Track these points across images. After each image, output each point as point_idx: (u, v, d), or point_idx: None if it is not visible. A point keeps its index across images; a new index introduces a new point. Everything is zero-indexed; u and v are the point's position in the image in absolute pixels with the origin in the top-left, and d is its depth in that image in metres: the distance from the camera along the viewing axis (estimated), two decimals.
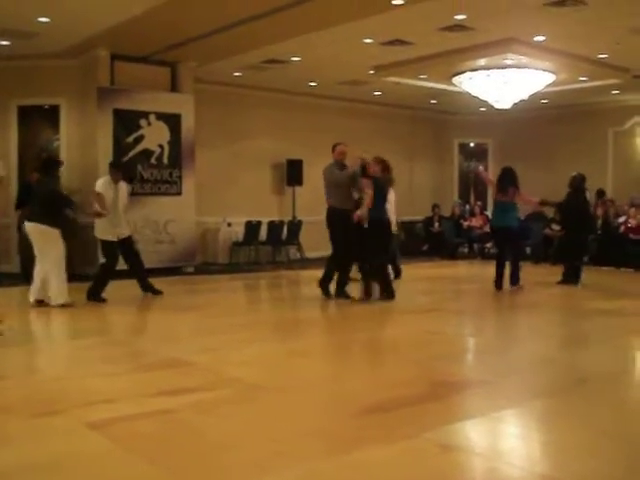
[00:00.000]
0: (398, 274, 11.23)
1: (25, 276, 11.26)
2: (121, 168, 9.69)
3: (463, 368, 5.71)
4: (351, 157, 9.23)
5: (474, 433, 3.91)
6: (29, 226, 8.62)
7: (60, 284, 8.55)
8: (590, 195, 12.50)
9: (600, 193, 15.18)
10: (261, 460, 3.37)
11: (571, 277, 10.65)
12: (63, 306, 8.46)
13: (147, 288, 9.67)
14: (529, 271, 11.66)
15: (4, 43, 11.36)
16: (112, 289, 10.41)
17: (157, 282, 10.06)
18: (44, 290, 8.60)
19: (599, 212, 14.41)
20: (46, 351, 6.12)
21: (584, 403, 4.44)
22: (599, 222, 14.28)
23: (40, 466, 3.33)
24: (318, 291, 8.99)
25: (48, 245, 8.52)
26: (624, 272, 12.70)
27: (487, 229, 16.34)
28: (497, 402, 4.43)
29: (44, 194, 8.56)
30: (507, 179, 10.30)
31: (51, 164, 8.95)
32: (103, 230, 9.27)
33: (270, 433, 3.80)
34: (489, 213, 17.26)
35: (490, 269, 10.50)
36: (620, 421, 4.07)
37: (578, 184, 10.80)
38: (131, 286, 9.84)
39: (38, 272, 8.62)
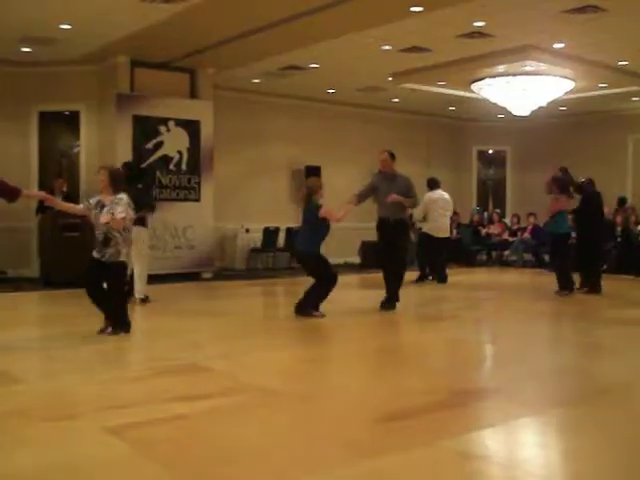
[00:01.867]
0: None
1: (45, 280, 11.37)
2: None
3: (482, 376, 5.68)
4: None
5: (493, 441, 3.89)
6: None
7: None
8: (607, 202, 12.34)
9: (621, 201, 15.07)
10: (278, 467, 3.37)
11: (590, 285, 10.57)
12: (143, 301, 9.25)
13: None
14: (548, 279, 11.59)
15: (25, 50, 11.48)
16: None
17: (175, 287, 10.11)
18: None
19: (618, 220, 14.31)
20: (64, 355, 6.15)
21: (604, 413, 4.40)
22: (618, 230, 14.18)
23: (57, 470, 3.34)
24: (333, 297, 8.92)
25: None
26: None
27: (506, 236, 16.33)
28: (516, 410, 4.41)
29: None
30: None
31: (141, 173, 9.86)
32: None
33: (287, 440, 3.79)
34: (507, 221, 17.23)
35: (507, 276, 10.45)
36: (639, 431, 4.04)
37: (589, 190, 10.73)
38: (153, 292, 9.89)
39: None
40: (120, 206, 6.73)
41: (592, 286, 10.51)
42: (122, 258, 6.91)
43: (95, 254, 6.91)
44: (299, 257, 8.59)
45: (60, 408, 4.40)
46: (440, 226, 12.00)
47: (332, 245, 15.22)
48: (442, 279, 12.02)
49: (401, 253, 8.93)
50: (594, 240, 10.65)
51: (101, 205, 6.81)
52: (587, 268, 10.72)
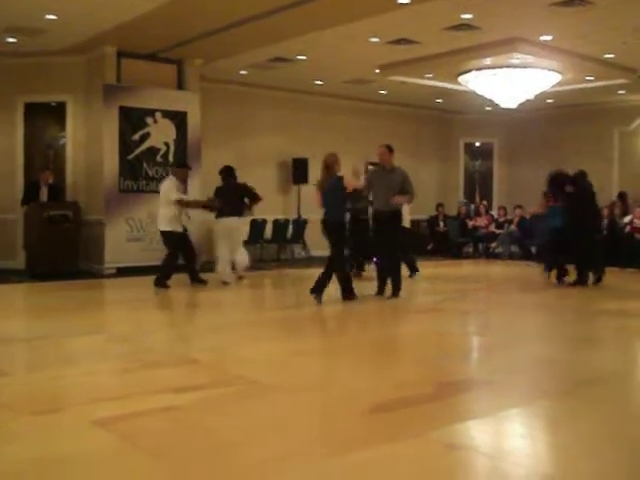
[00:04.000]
0: None
1: (31, 272, 11.32)
2: (184, 167, 10.75)
3: (469, 368, 5.71)
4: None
5: (480, 433, 3.91)
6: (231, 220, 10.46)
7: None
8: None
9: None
10: (267, 459, 3.37)
11: (580, 277, 10.62)
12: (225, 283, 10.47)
13: (195, 279, 10.51)
14: (537, 271, 11.65)
15: (11, 40, 11.40)
16: (121, 286, 10.48)
17: None
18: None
19: (605, 212, 14.36)
20: (51, 347, 6.13)
21: (590, 404, 4.43)
22: (604, 222, 14.24)
23: (46, 463, 3.33)
24: (330, 290, 8.92)
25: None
26: (630, 272, 12.66)
27: (492, 229, 16.39)
28: (503, 402, 4.43)
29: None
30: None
31: (231, 170, 10.77)
32: (169, 223, 10.09)
33: (277, 432, 3.80)
34: (494, 213, 17.28)
35: (494, 268, 10.50)
36: (626, 423, 4.07)
37: (583, 181, 10.78)
38: (141, 284, 9.91)
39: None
40: None
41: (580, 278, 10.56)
42: None
43: None
44: (330, 226, 8.69)
45: (47, 401, 4.39)
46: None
47: (320, 237, 15.27)
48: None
49: (396, 244, 9.15)
50: (588, 231, 10.67)
51: None
52: (582, 260, 10.73)
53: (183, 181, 10.43)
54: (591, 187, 10.83)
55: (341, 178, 8.62)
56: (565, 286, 10.49)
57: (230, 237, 10.50)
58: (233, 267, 10.71)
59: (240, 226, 10.82)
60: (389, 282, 9.05)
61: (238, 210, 10.58)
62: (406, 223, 11.99)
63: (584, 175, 10.80)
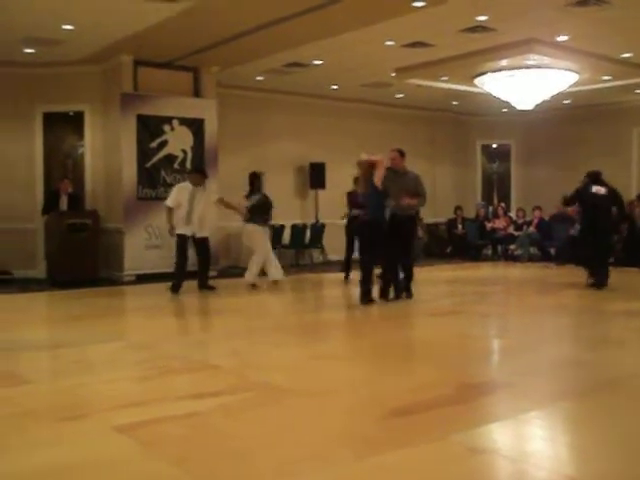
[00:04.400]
0: None
1: (51, 281, 11.41)
2: (199, 173, 10.78)
3: (489, 370, 5.69)
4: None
5: (501, 435, 3.89)
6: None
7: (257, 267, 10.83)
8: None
9: None
10: (288, 464, 3.38)
11: (597, 279, 10.52)
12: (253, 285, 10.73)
13: (203, 286, 10.49)
14: (555, 273, 11.59)
15: (29, 51, 11.51)
16: (140, 293, 10.53)
17: (183, 286, 10.18)
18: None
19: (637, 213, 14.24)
20: (72, 355, 6.17)
21: (611, 405, 4.40)
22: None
23: (68, 469, 3.35)
24: (341, 293, 8.94)
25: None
26: None
27: (511, 230, 16.32)
28: (524, 404, 4.41)
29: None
30: None
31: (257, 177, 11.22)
32: (177, 226, 10.30)
33: (296, 436, 3.80)
34: (512, 215, 17.21)
35: (513, 270, 10.44)
36: None
37: (581, 188, 10.68)
38: (160, 291, 9.94)
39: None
40: None
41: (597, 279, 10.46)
42: None
43: None
44: (372, 225, 8.81)
45: (70, 408, 4.42)
46: None
47: (338, 242, 15.29)
48: None
49: (410, 247, 9.32)
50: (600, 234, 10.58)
51: None
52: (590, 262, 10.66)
53: (196, 185, 10.42)
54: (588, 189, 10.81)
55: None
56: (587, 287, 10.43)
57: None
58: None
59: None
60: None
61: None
62: None
63: (590, 177, 10.74)
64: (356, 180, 10.58)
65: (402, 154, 9.29)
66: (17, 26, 10.18)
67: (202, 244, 10.44)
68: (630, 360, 5.80)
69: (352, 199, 11.29)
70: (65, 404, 4.54)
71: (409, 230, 9.23)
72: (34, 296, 10.59)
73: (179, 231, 10.25)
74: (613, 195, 10.53)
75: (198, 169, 11.17)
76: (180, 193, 10.33)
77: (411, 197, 9.03)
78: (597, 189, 10.37)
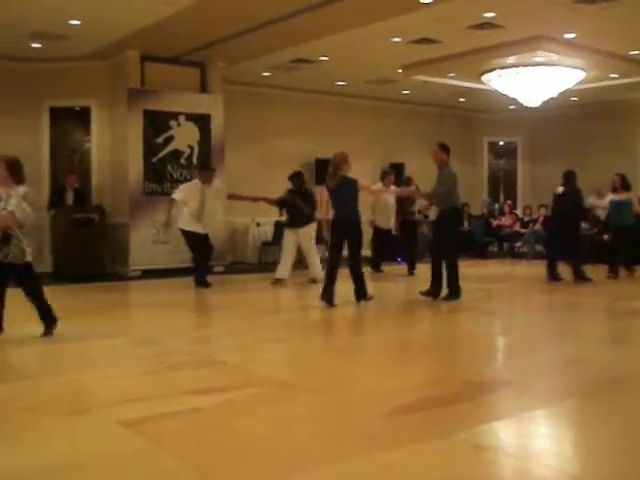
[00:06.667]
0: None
1: (58, 275, 11.44)
2: (209, 170, 10.89)
3: (495, 368, 5.68)
4: None
5: (506, 433, 3.89)
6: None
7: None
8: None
9: None
10: (292, 460, 3.38)
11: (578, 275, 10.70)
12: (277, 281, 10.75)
13: (200, 283, 10.34)
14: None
15: (36, 46, 11.52)
16: (146, 288, 10.54)
17: (187, 281, 10.20)
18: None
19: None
20: (77, 349, 6.18)
21: (615, 404, 4.39)
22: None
23: (73, 464, 3.36)
24: (346, 290, 8.92)
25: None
26: None
27: (517, 228, 16.30)
28: (528, 402, 4.41)
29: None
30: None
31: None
32: (188, 223, 10.28)
33: (301, 432, 3.81)
34: (519, 212, 17.18)
35: (519, 268, 10.42)
36: None
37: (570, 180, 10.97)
38: (166, 286, 9.95)
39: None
40: (14, 199, 6.12)
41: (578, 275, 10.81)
42: (28, 259, 6.38)
43: None
44: (350, 226, 8.46)
45: (74, 403, 4.43)
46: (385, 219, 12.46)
47: None
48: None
49: (447, 243, 9.05)
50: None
51: None
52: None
53: (205, 183, 10.43)
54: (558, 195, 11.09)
55: (356, 181, 8.59)
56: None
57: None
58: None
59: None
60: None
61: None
62: (385, 225, 12.18)
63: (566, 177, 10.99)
64: None
65: (443, 148, 9.25)
66: (24, 21, 10.19)
67: (205, 240, 10.47)
68: (636, 359, 5.79)
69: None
70: (70, 399, 4.55)
71: (445, 225, 9.00)
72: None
73: (190, 228, 10.27)
74: (570, 194, 10.77)
75: (207, 166, 11.17)
76: (191, 191, 10.37)
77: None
78: (558, 189, 10.83)
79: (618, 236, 11.50)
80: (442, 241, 9.05)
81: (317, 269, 10.80)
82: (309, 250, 10.90)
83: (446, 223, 8.98)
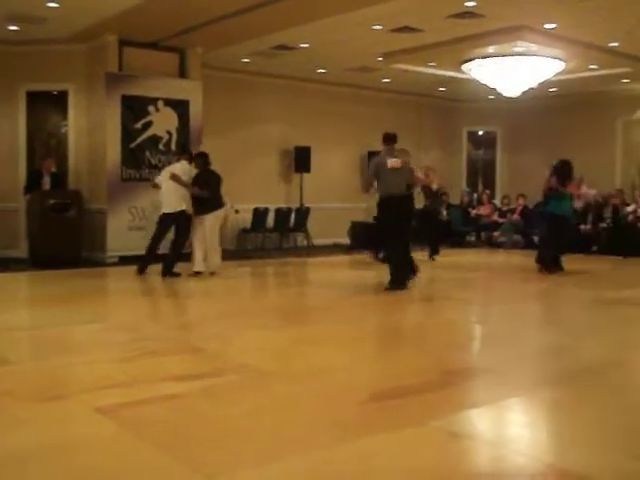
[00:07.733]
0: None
1: (33, 261, 11.34)
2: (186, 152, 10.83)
3: (471, 356, 5.71)
4: None
5: (482, 421, 3.92)
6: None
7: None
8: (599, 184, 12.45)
9: None
10: (270, 447, 3.38)
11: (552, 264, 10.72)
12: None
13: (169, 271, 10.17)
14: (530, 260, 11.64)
15: (13, 28, 11.36)
16: (123, 275, 10.48)
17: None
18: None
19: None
20: (53, 335, 6.14)
21: (590, 392, 4.43)
22: (609, 211, 14.24)
23: (49, 449, 3.34)
24: (325, 278, 8.94)
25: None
26: (633, 261, 12.63)
27: (495, 217, 16.37)
28: (504, 390, 4.44)
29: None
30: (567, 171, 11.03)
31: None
32: (187, 205, 10.18)
33: (279, 420, 3.81)
34: (497, 202, 17.27)
35: (497, 257, 10.48)
36: (625, 409, 4.07)
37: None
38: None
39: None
40: None
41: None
42: None
43: None
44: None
45: (50, 389, 4.40)
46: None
47: (322, 226, 15.28)
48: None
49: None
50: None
51: None
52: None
53: (197, 167, 10.32)
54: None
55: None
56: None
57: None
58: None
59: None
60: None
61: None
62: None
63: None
64: None
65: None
66: (1, 3, 10.04)
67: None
68: (609, 347, 5.84)
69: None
70: (46, 385, 4.52)
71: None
72: (15, 276, 10.52)
73: (189, 210, 10.16)
74: None
75: (199, 153, 10.89)
76: (188, 172, 10.28)
77: None
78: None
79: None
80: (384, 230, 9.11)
81: (216, 262, 10.35)
82: (210, 240, 10.18)
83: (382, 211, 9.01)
